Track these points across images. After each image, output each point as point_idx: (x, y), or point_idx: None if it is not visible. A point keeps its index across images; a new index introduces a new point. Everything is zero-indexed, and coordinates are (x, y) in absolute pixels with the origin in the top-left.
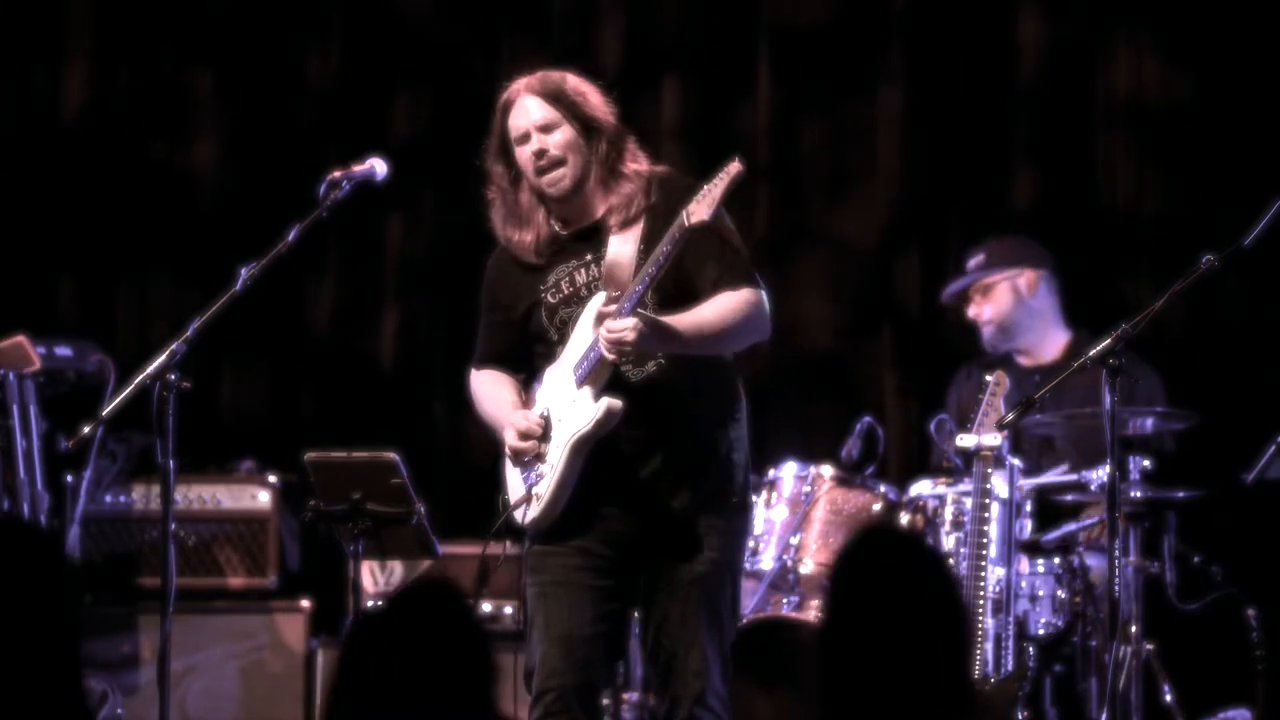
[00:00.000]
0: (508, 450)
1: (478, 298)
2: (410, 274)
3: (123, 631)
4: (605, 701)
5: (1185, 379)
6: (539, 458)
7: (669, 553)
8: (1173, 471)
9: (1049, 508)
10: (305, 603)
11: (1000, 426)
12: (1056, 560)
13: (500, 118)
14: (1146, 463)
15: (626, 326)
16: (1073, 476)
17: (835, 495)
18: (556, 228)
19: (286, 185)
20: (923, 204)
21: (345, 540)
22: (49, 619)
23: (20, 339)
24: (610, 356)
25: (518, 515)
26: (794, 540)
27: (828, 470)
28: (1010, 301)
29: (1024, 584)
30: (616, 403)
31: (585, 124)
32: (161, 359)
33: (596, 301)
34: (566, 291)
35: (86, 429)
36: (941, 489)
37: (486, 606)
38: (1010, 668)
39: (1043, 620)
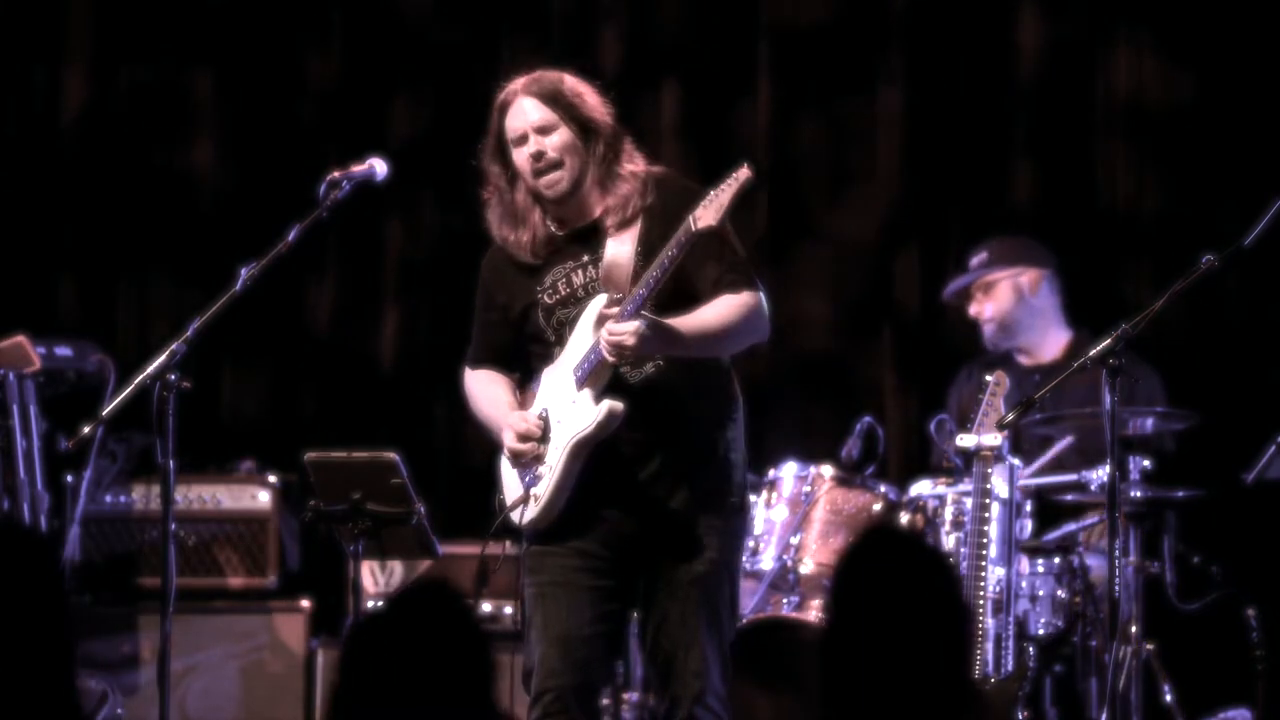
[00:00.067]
0: (506, 452)
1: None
2: (410, 274)
3: (123, 631)
4: (605, 701)
5: (1185, 379)
6: (538, 459)
7: (668, 553)
8: (1173, 471)
9: (1049, 508)
10: (305, 603)
11: (1000, 426)
12: (1056, 560)
13: (497, 118)
14: (1146, 463)
15: (629, 329)
16: (1072, 476)
17: (835, 495)
18: (553, 228)
19: (286, 185)
20: (923, 204)
21: (345, 540)
22: (41, 621)
23: (20, 339)
24: (612, 359)
25: (515, 516)
26: (794, 540)
27: (828, 470)
28: (1012, 299)
29: (1024, 584)
30: (618, 405)
31: (582, 126)
32: (161, 359)
33: (597, 303)
34: (564, 292)
35: (86, 429)
36: (941, 489)
37: (486, 606)
38: (1010, 668)
39: (1043, 620)
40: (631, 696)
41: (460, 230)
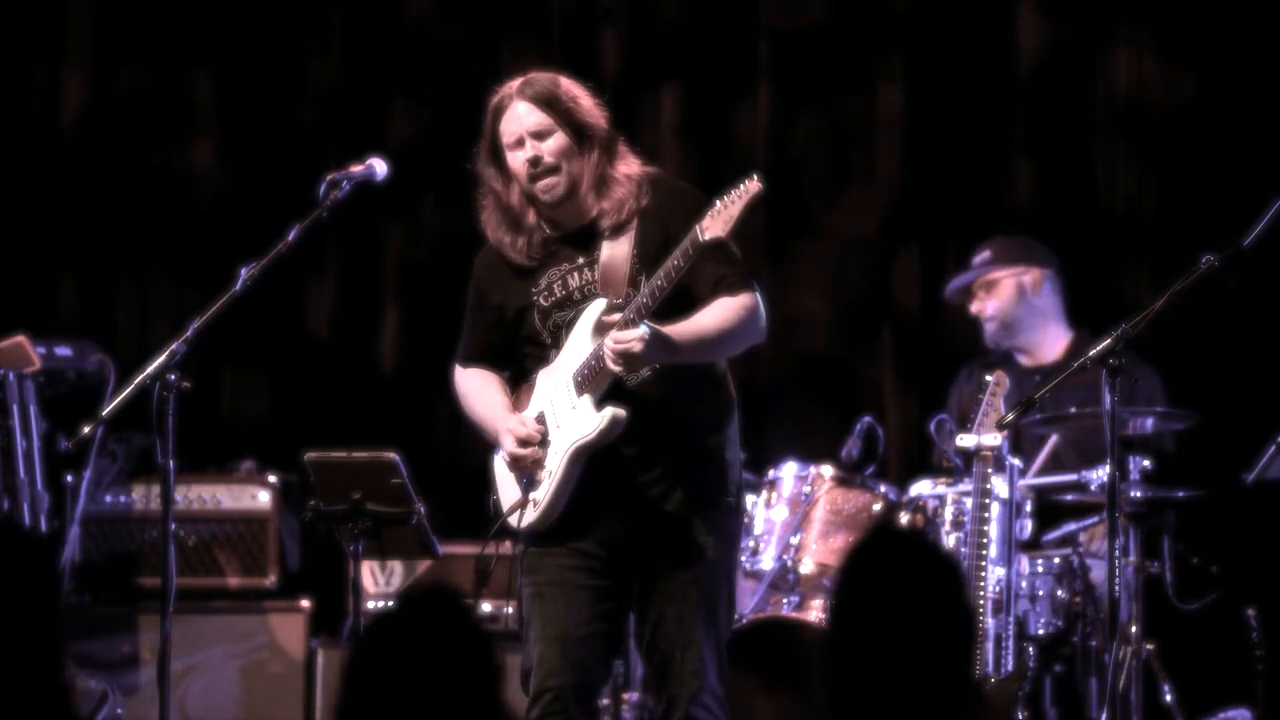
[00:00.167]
0: (506, 457)
1: None
2: (410, 275)
3: (123, 631)
4: (605, 701)
5: (1185, 379)
6: (536, 463)
7: (664, 554)
8: (1173, 471)
9: (1049, 507)
10: (305, 603)
11: (1000, 426)
12: (1056, 560)
13: (492, 121)
14: (1146, 463)
15: (634, 337)
16: (1072, 476)
17: (835, 495)
18: (548, 230)
19: (286, 186)
20: (922, 204)
21: (345, 540)
22: (35, 623)
23: (20, 339)
24: (616, 368)
25: (513, 520)
26: (794, 540)
27: (828, 470)
28: (1014, 298)
29: (1024, 584)
30: (621, 412)
31: (578, 129)
32: (161, 359)
33: (595, 306)
34: (559, 295)
35: (86, 429)
36: (941, 489)
37: (486, 607)
38: (1010, 668)
39: (1043, 620)
40: (631, 696)
41: (460, 231)
